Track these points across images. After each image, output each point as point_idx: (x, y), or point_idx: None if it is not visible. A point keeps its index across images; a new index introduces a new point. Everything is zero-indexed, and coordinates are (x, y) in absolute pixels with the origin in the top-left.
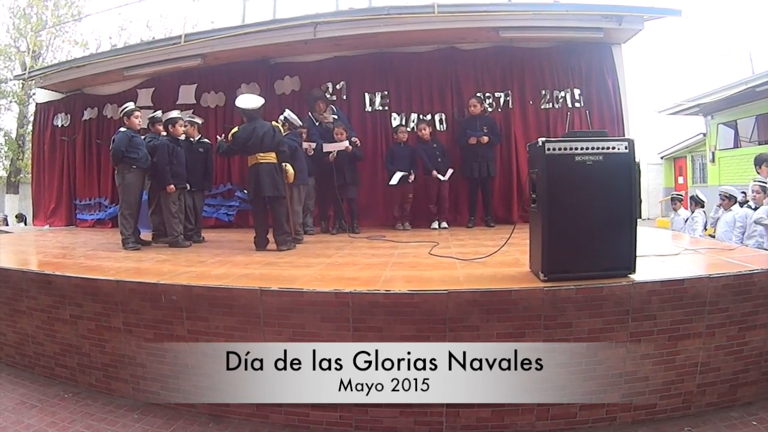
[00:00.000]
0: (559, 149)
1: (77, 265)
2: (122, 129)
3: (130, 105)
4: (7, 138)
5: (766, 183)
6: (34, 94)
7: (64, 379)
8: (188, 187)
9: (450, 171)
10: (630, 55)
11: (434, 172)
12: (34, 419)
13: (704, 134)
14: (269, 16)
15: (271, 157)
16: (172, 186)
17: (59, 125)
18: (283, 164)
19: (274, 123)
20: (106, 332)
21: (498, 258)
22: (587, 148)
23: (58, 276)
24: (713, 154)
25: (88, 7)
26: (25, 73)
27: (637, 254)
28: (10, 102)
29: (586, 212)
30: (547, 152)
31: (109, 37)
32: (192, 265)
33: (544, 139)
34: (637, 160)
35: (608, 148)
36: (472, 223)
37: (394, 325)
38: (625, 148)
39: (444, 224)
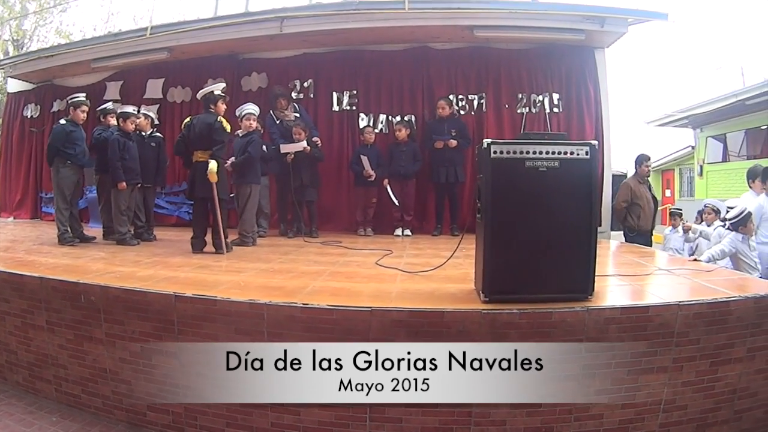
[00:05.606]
0: (507, 152)
1: (12, 260)
2: (62, 121)
3: (80, 96)
4: None
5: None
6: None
7: None
8: (140, 184)
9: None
10: (617, 63)
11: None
12: None
13: (693, 147)
14: (242, 10)
15: (206, 156)
16: (124, 183)
17: (29, 116)
18: (209, 161)
19: (220, 118)
20: (31, 330)
21: (447, 272)
22: (541, 153)
23: None
24: (701, 167)
25: None
26: None
27: (598, 274)
28: None
29: (537, 225)
30: (492, 155)
31: (93, 28)
32: (124, 264)
33: (489, 140)
34: (624, 171)
35: (566, 153)
36: (438, 231)
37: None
38: (586, 153)
39: (407, 232)
